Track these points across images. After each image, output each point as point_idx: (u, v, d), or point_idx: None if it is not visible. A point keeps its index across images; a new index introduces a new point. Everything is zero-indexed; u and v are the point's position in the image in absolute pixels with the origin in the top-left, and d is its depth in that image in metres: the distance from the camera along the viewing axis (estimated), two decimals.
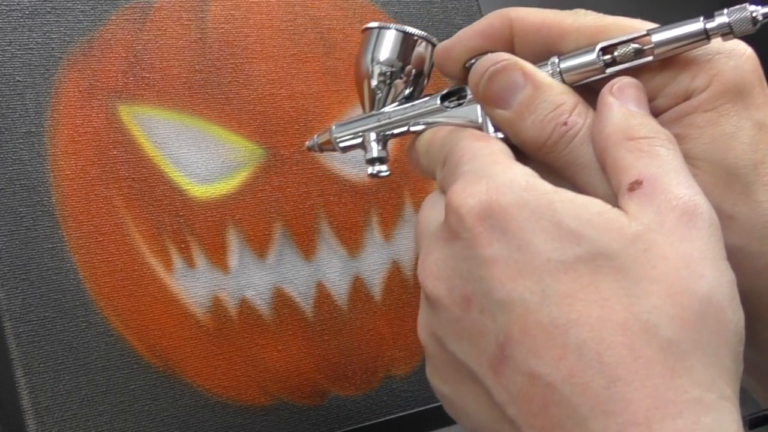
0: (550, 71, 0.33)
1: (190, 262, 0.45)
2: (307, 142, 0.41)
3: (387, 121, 0.37)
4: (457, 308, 0.29)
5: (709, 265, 0.27)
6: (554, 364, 0.26)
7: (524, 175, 0.29)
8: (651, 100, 0.31)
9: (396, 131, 0.37)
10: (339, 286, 0.49)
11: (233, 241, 0.47)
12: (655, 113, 0.31)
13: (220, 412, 0.46)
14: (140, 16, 0.45)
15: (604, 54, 0.32)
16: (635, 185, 0.28)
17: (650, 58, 0.31)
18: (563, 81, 0.32)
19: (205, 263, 0.46)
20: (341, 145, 0.39)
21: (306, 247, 0.48)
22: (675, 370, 0.26)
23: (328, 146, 0.39)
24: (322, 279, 0.49)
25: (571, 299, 0.27)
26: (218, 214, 0.46)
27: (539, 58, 0.33)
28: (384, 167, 0.38)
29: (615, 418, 0.25)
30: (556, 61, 0.33)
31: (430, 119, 0.36)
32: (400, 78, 0.37)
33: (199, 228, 0.46)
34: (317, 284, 0.49)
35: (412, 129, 0.37)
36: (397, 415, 0.50)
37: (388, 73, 0.37)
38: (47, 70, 0.43)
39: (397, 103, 0.37)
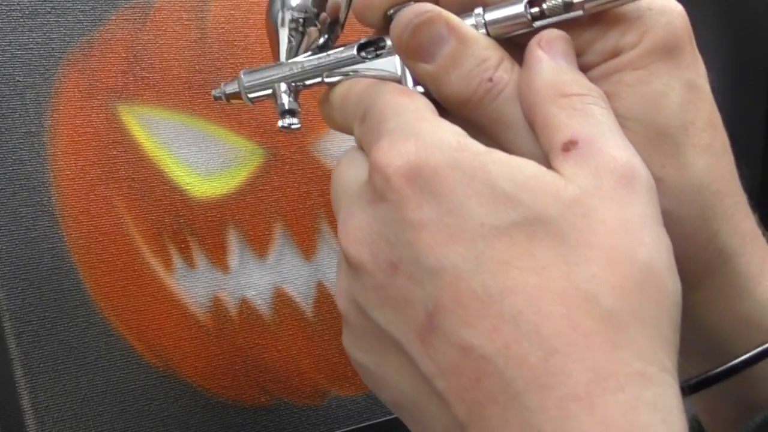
0: (475, 23, 0.31)
1: (190, 262, 0.45)
2: (213, 91, 0.38)
3: (299, 71, 0.35)
4: (382, 275, 0.27)
5: (648, 231, 0.26)
6: (488, 335, 0.25)
7: (455, 134, 0.27)
8: (579, 56, 0.30)
9: (309, 82, 0.35)
10: None
11: (233, 241, 0.47)
12: (583, 70, 0.30)
13: (220, 412, 0.46)
14: (140, 16, 0.45)
15: (531, 6, 0.30)
16: (570, 145, 0.27)
17: (580, 12, 0.29)
18: (488, 34, 0.31)
19: (205, 263, 0.46)
20: (250, 95, 0.36)
21: (306, 247, 0.48)
22: (616, 342, 0.24)
23: (237, 96, 0.37)
24: (322, 279, 0.49)
25: (506, 266, 0.25)
26: (218, 214, 0.46)
27: (464, 8, 0.31)
28: (295, 120, 0.35)
29: (553, 392, 0.24)
30: (481, 12, 0.31)
31: (345, 70, 0.34)
32: (314, 26, 0.34)
33: (199, 228, 0.46)
34: (317, 284, 0.49)
35: (326, 80, 0.34)
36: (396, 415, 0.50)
37: (301, 20, 0.34)
38: (47, 70, 0.43)
39: (310, 53, 0.35)
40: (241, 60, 0.47)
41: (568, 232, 0.25)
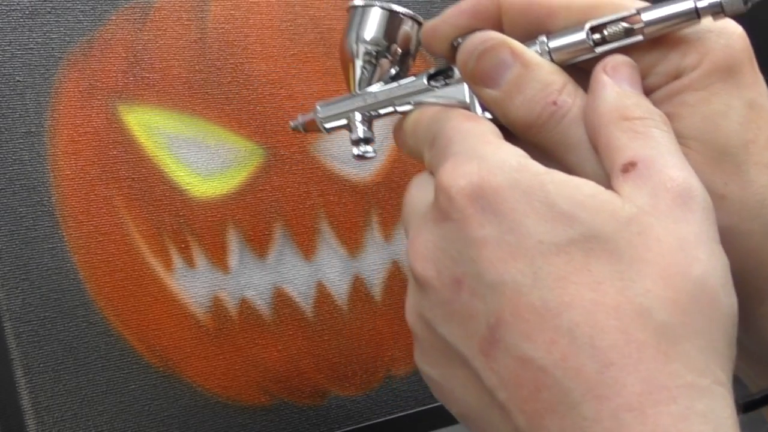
0: (539, 50, 0.32)
1: (190, 262, 0.45)
2: (291, 122, 0.40)
3: (373, 101, 0.36)
4: (447, 290, 0.28)
5: (703, 248, 0.26)
6: (546, 348, 0.26)
7: (515, 155, 0.29)
8: (642, 78, 0.31)
9: (382, 111, 0.36)
10: (339, 286, 0.49)
11: (233, 241, 0.47)
12: (646, 92, 0.31)
13: (220, 412, 0.46)
14: (140, 16, 0.45)
15: (593, 33, 0.31)
16: (629, 167, 0.28)
17: (640, 37, 0.31)
18: (552, 60, 0.32)
19: (205, 263, 0.46)
20: (326, 126, 0.38)
21: (306, 247, 0.48)
22: (668, 355, 0.25)
23: (313, 126, 0.38)
24: (322, 279, 0.49)
25: (563, 282, 0.26)
26: (218, 214, 0.46)
27: (528, 37, 0.32)
28: (370, 148, 0.37)
29: (608, 402, 0.25)
30: (545, 40, 0.32)
31: (416, 99, 0.35)
32: (386, 57, 0.36)
33: (199, 228, 0.46)
34: (317, 284, 0.49)
35: (399, 109, 0.36)
36: (397, 415, 0.50)
37: (374, 53, 0.36)
38: (47, 70, 0.43)
39: (382, 83, 0.36)
40: (241, 60, 0.47)
41: (623, 249, 0.26)
